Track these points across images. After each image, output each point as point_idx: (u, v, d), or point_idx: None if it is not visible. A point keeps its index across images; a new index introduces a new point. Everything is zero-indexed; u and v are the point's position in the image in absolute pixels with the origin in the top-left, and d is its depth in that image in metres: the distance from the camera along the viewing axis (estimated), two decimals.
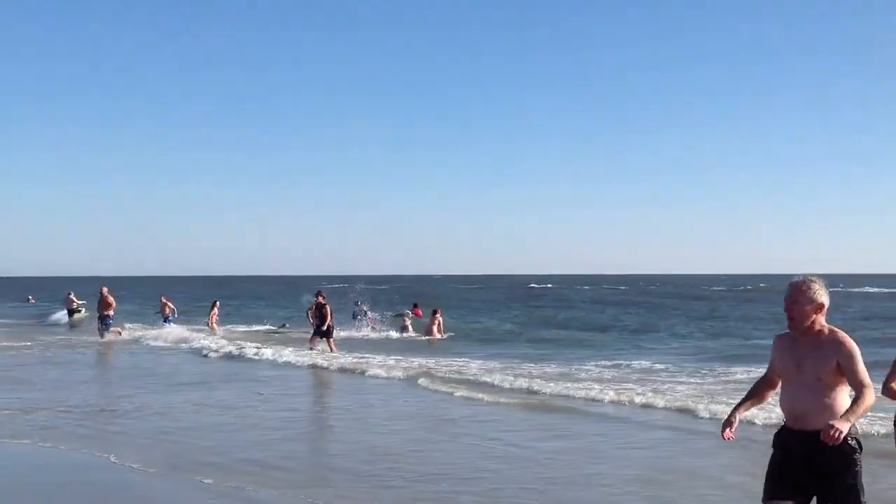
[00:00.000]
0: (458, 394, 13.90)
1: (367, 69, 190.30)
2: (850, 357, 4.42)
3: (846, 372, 4.42)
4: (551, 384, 14.58)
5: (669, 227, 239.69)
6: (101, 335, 26.20)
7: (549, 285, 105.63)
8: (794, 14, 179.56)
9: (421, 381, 15.40)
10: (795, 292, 4.53)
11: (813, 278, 4.58)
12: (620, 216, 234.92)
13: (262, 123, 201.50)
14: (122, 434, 10.65)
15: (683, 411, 11.80)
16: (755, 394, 4.88)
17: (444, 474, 8.40)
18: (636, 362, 19.13)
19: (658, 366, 18.45)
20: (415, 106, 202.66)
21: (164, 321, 31.52)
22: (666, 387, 14.41)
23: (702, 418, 11.22)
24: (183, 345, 24.04)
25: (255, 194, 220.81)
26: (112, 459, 9.01)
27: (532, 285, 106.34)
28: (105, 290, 26.78)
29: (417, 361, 18.89)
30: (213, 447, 9.75)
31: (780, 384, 4.75)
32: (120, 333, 26.76)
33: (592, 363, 18.92)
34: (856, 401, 4.35)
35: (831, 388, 4.43)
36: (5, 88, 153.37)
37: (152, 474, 8.38)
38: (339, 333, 27.71)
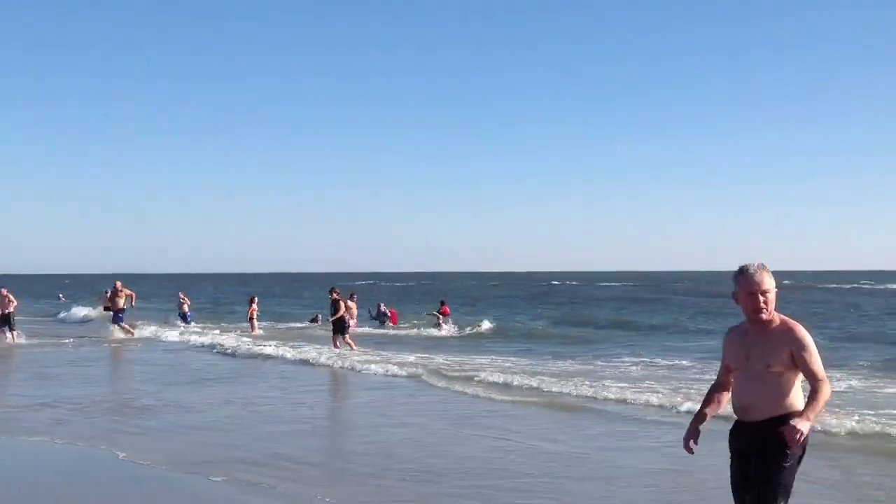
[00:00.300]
0: (477, 392, 13.78)
1: (370, 60, 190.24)
2: (804, 347, 4.23)
3: (800, 363, 4.23)
4: (570, 382, 14.44)
5: (677, 225, 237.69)
6: (126, 332, 26.13)
7: (574, 283, 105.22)
8: (785, 9, 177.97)
9: (439, 378, 15.32)
10: (764, 279, 4.31)
11: (763, 264, 4.40)
12: (626, 213, 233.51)
13: (274, 122, 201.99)
14: (134, 431, 10.63)
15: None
16: (710, 401, 4.69)
17: (462, 471, 8.31)
18: (663, 360, 18.88)
19: (684, 363, 18.23)
20: (422, 108, 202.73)
21: (182, 318, 31.59)
22: (690, 385, 14.17)
23: (722, 417, 10.96)
24: (200, 342, 23.98)
25: (262, 192, 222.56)
26: (121, 456, 8.98)
27: (553, 282, 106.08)
28: (119, 284, 26.42)
29: (440, 359, 18.87)
30: (227, 444, 9.70)
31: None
32: (131, 333, 26.25)
33: (618, 361, 18.77)
34: (813, 397, 4.15)
35: (780, 378, 4.26)
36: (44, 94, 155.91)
37: (160, 471, 8.34)
38: (372, 331, 27.95)
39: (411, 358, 18.90)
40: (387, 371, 16.63)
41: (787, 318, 4.36)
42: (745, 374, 4.37)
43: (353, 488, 7.68)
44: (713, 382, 4.78)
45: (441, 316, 30.25)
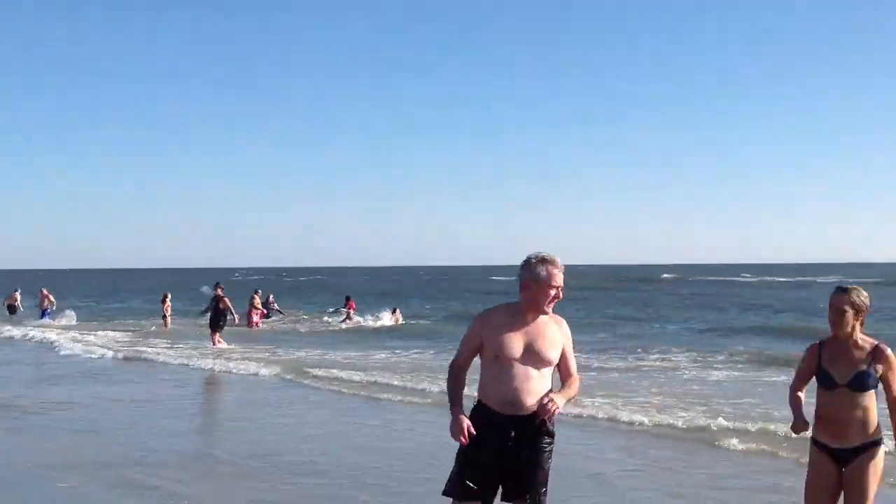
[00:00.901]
0: (357, 389, 13.52)
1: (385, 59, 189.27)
2: (570, 342, 4.43)
3: (564, 357, 4.37)
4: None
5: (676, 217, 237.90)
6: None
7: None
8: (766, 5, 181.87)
9: (321, 376, 15.00)
10: (562, 277, 4.31)
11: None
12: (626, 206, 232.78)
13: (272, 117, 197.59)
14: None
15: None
16: (462, 385, 4.38)
17: (347, 465, 8.20)
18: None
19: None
20: (432, 103, 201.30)
21: (42, 315, 30.06)
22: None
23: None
24: (74, 340, 22.76)
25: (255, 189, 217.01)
26: None
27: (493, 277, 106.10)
28: (44, 290, 28.36)
29: (333, 354, 18.72)
30: (92, 449, 9.18)
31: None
32: None
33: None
34: (571, 384, 4.38)
35: (550, 370, 4.34)
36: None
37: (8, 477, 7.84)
38: (266, 327, 27.68)
39: (296, 355, 18.78)
40: (262, 369, 16.10)
41: (552, 313, 4.36)
42: (517, 364, 4.21)
43: (225, 484, 7.50)
44: (457, 366, 4.38)
45: (347, 310, 30.42)
